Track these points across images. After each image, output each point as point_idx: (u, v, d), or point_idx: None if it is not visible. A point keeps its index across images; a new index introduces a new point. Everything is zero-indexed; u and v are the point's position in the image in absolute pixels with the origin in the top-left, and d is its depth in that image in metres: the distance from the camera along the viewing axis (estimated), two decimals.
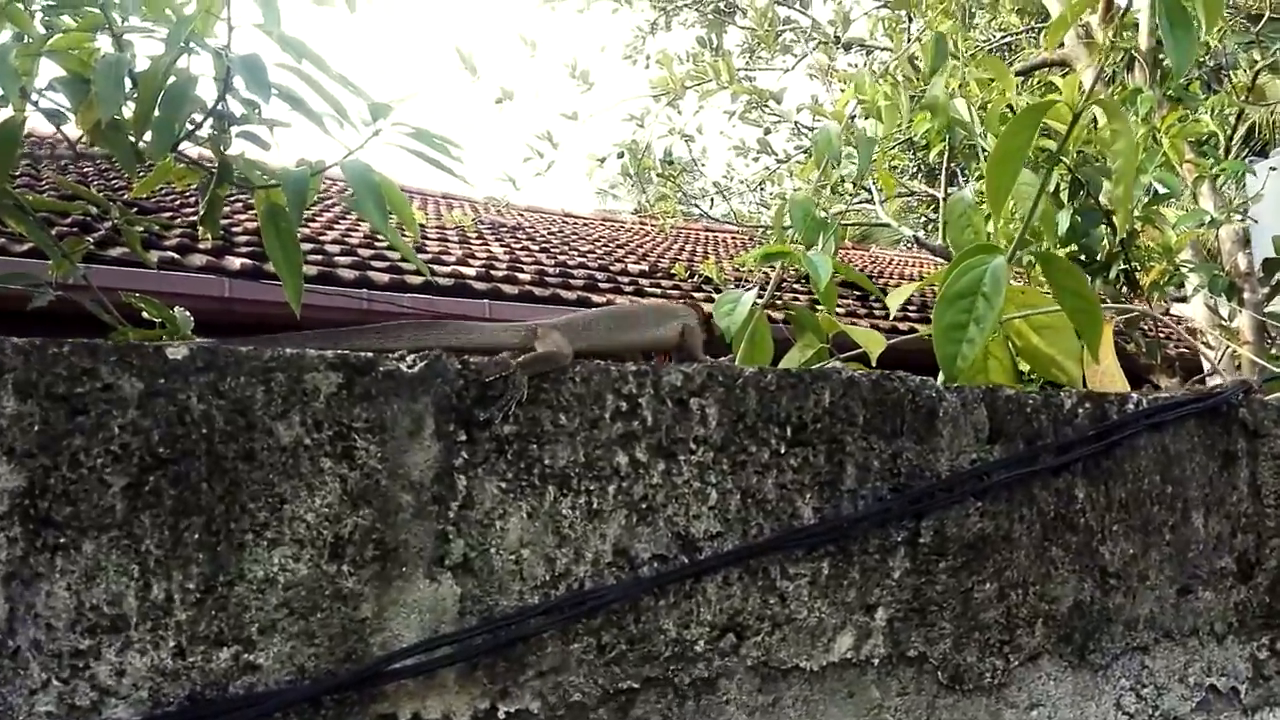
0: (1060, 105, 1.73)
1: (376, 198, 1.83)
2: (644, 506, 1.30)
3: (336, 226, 8.62)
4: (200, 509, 1.07)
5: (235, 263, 6.63)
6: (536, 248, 10.01)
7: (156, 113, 1.83)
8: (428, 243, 8.78)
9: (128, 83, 1.90)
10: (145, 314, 2.26)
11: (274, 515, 1.10)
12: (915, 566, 1.49)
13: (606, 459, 1.28)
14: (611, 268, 9.19)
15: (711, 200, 11.24)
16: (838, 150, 2.70)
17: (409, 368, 1.18)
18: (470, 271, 7.48)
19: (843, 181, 2.82)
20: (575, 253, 10.10)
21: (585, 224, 14.03)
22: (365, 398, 1.15)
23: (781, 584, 1.39)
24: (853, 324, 2.75)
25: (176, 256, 6.55)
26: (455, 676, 1.18)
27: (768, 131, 8.18)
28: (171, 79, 1.88)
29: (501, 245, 9.68)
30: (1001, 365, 2.46)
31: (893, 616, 1.46)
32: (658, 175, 8.47)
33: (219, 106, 1.97)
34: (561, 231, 12.18)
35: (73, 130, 2.00)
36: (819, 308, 2.86)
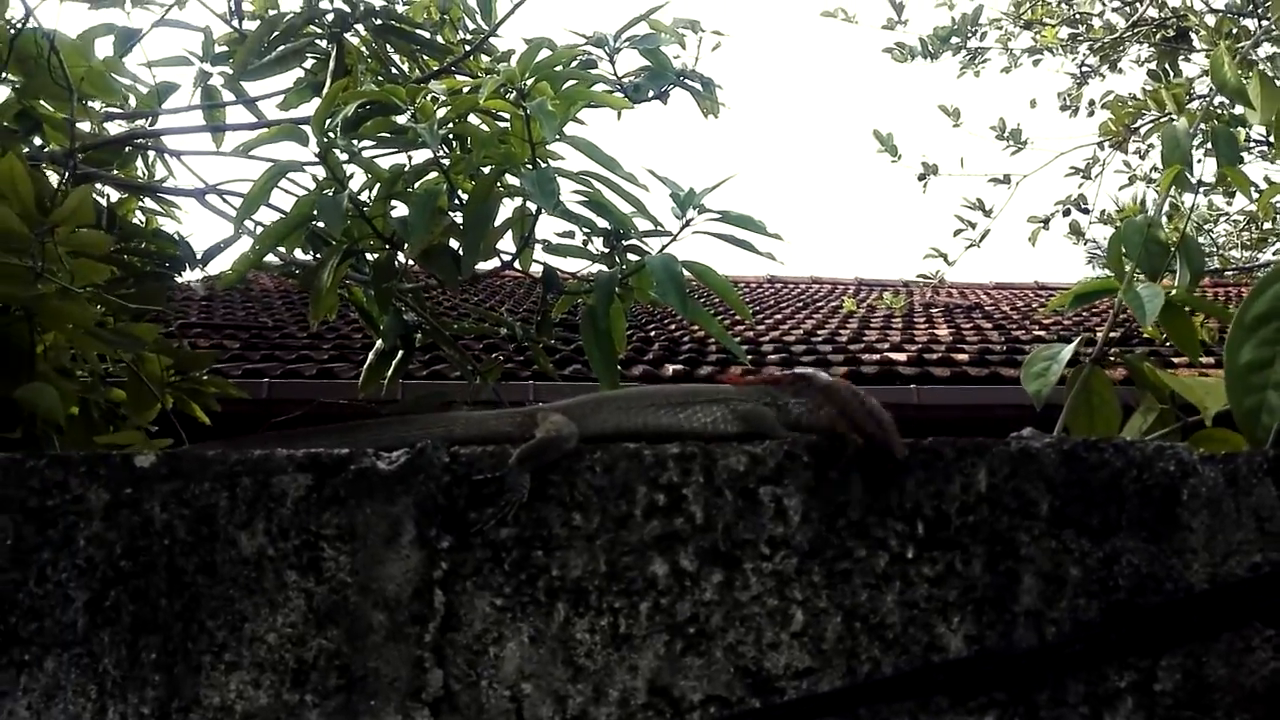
0: None
1: (679, 288, 1.91)
2: (692, 631, 1.00)
3: (781, 327, 8.72)
4: (158, 627, 1.00)
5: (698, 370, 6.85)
6: (990, 325, 9.31)
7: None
8: (868, 331, 8.53)
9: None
10: None
11: (233, 635, 1.00)
12: None
13: (638, 568, 1.01)
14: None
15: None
16: (1187, 152, 2.10)
17: (387, 465, 1.03)
18: (901, 356, 7.10)
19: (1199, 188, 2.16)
20: (1037, 327, 9.21)
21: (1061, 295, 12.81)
22: (335, 501, 1.02)
23: None
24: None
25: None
26: None
27: (1241, 163, 6.81)
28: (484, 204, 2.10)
29: (949, 325, 9.13)
30: None
31: None
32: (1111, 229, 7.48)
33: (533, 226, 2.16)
34: (1028, 306, 11.23)
35: None
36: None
